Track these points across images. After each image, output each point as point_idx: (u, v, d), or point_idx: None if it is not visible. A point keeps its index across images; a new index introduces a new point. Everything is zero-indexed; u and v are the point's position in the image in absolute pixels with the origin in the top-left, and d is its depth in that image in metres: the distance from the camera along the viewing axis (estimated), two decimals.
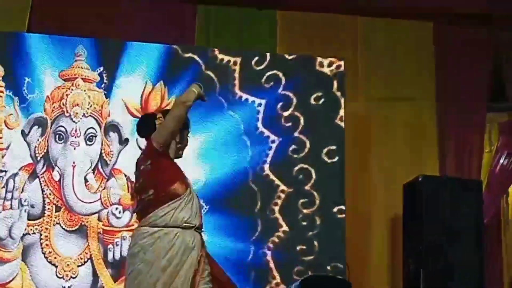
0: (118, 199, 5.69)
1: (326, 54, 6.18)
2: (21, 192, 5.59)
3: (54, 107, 5.70)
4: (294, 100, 6.09)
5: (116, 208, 5.67)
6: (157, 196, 3.61)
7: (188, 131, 3.85)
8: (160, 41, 5.98)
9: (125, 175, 5.68)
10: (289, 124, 6.07)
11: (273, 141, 6.03)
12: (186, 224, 3.61)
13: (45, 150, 5.66)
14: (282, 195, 5.97)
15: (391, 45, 6.53)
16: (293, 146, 6.04)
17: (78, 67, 5.78)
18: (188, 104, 3.62)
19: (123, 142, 5.75)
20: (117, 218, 5.66)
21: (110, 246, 5.62)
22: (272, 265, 5.85)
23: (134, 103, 5.78)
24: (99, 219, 5.65)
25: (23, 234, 5.56)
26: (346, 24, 6.50)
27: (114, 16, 6.16)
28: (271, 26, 6.38)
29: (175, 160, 3.77)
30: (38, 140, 5.67)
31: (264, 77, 6.08)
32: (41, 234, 5.58)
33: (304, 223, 5.95)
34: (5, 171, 5.60)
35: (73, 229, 5.62)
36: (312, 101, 6.13)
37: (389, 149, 6.41)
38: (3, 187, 5.57)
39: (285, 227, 5.92)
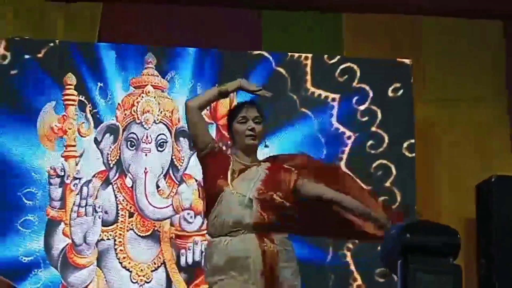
0: (190, 204, 5.73)
1: (392, 55, 6.17)
2: (95, 198, 5.67)
3: (125, 114, 5.79)
4: (371, 93, 6.03)
5: (188, 213, 5.71)
6: (206, 200, 3.54)
7: (241, 118, 3.57)
8: (227, 48, 6.04)
9: (196, 180, 5.73)
10: (366, 118, 6.01)
11: (349, 137, 5.99)
12: (232, 230, 3.40)
13: (117, 157, 5.74)
14: None
15: (458, 45, 6.45)
16: (371, 142, 5.99)
17: (148, 75, 5.86)
18: (191, 104, 3.54)
19: (193, 147, 5.80)
20: (189, 223, 5.71)
21: (182, 251, 5.66)
22: (352, 267, 5.80)
23: None
24: (171, 224, 5.70)
25: (98, 240, 5.63)
26: (411, 24, 6.45)
27: (181, 24, 6.22)
28: (336, 29, 6.37)
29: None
30: (110, 147, 5.75)
31: (338, 70, 6.04)
32: (115, 240, 5.65)
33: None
34: (79, 179, 5.69)
35: (146, 234, 5.68)
36: (390, 93, 6.08)
37: (458, 150, 6.32)
38: (78, 194, 5.66)
39: None
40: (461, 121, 6.36)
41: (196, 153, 3.60)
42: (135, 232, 5.67)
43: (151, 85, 5.84)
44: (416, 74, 6.20)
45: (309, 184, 3.51)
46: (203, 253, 3.63)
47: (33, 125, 5.69)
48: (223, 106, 5.81)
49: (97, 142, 5.75)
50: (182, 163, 5.78)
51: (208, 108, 5.79)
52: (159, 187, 5.73)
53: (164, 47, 5.95)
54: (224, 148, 3.75)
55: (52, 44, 5.84)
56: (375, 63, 6.10)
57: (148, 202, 5.70)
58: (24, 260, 5.55)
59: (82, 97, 5.77)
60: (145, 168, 5.73)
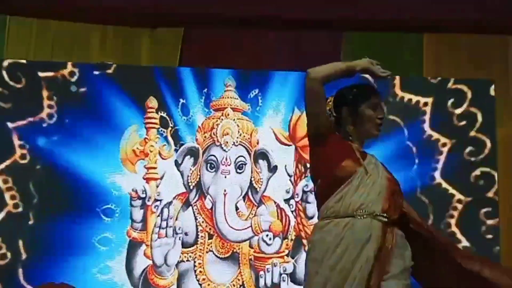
0: (269, 226, 5.73)
1: (476, 76, 6.02)
2: (175, 220, 5.74)
3: (205, 137, 5.85)
4: (469, 94, 5.75)
5: (267, 235, 5.71)
6: (324, 185, 3.13)
7: (373, 104, 3.24)
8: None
9: (275, 202, 5.73)
10: (463, 122, 5.76)
11: (444, 145, 5.78)
12: (358, 211, 3.04)
13: (197, 179, 5.80)
14: (459, 206, 5.68)
15: None
16: (470, 148, 5.73)
17: (228, 97, 5.91)
18: (314, 75, 3.13)
19: (272, 169, 5.81)
20: (268, 245, 5.71)
21: (261, 272, 5.66)
22: None
23: (282, 131, 5.84)
24: (250, 246, 5.71)
25: (178, 261, 5.69)
26: (495, 44, 6.29)
27: (260, 48, 6.26)
28: (418, 49, 6.25)
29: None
30: (190, 169, 5.82)
31: None
32: (195, 261, 5.69)
33: (489, 236, 5.62)
34: (160, 200, 5.77)
35: (225, 256, 5.70)
36: (492, 92, 5.78)
37: None
38: (159, 215, 5.74)
39: (465, 242, 5.62)
40: None
41: (308, 133, 3.21)
42: (214, 254, 5.70)
43: (231, 108, 5.89)
44: (501, 95, 6.02)
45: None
46: (308, 241, 3.19)
47: (114, 145, 5.80)
48: (302, 127, 5.79)
49: (177, 164, 5.83)
50: (261, 185, 5.79)
51: (288, 129, 5.80)
52: (238, 208, 5.76)
53: (243, 70, 5.99)
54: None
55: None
56: (456, 82, 5.91)
57: (228, 224, 5.72)
58: (100, 277, 5.65)
59: (163, 113, 5.86)
60: (225, 190, 5.77)
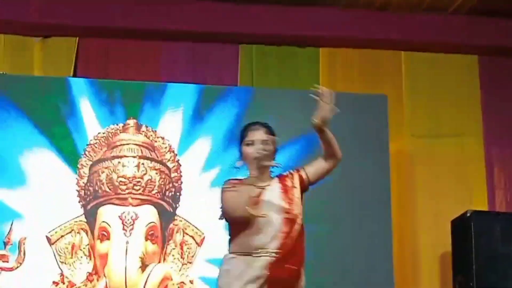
0: None
1: (370, 90, 6.14)
2: None
3: None
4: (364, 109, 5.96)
5: None
6: None
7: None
8: (203, 82, 6.00)
9: None
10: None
11: None
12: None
13: None
14: None
15: (436, 80, 6.44)
16: None
17: None
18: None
19: None
20: None
21: None
22: None
23: None
24: None
25: None
26: (389, 59, 6.44)
27: (157, 59, 6.23)
28: (313, 63, 6.34)
29: None
30: None
31: None
32: None
33: None
34: None
35: None
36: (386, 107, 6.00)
37: (436, 186, 6.25)
38: None
39: None
40: (438, 157, 6.31)
41: None
42: None
43: None
44: (394, 108, 6.17)
45: (311, 168, 3.46)
46: None
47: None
48: None
49: None
50: None
51: None
52: None
53: (133, 83, 5.88)
54: None
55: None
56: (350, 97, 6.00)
57: None
58: None
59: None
60: None
